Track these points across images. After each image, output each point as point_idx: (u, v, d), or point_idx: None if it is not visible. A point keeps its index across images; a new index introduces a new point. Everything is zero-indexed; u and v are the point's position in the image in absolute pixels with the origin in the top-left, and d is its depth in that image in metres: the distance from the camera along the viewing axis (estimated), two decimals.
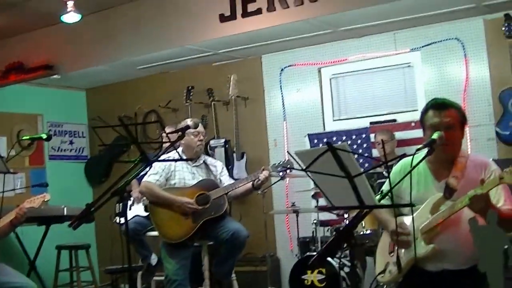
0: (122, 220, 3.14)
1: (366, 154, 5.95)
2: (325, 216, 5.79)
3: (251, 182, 4.74)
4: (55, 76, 6.86)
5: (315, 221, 5.51)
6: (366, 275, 5.12)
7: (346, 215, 5.11)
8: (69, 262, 6.34)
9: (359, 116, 6.30)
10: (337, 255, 5.01)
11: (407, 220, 2.94)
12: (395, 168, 3.16)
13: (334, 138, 6.17)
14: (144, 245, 5.69)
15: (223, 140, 6.55)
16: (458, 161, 2.94)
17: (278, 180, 5.26)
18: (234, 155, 6.51)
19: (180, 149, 4.88)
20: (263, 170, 4.72)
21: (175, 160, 4.75)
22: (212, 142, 6.54)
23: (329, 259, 5.00)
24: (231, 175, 5.83)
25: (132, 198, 5.82)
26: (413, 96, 6.01)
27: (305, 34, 5.94)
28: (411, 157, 2.81)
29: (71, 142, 7.72)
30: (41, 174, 7.23)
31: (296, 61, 6.52)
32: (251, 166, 6.40)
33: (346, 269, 5.04)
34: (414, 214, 2.83)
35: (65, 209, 5.63)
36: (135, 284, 5.81)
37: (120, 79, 7.43)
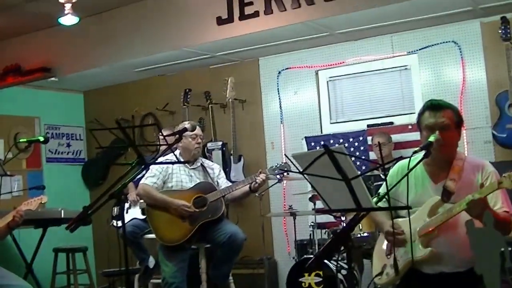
0: (119, 223, 3.13)
1: (363, 157, 5.96)
2: (323, 218, 5.79)
3: (249, 185, 4.74)
4: (52, 79, 6.86)
5: (312, 224, 5.51)
6: (363, 278, 5.12)
7: (343, 218, 5.11)
8: (66, 265, 6.34)
9: (356, 119, 6.30)
10: (335, 258, 5.01)
11: (404, 222, 2.94)
12: (392, 171, 3.17)
13: (331, 141, 6.17)
14: (142, 247, 5.68)
15: (220, 143, 6.55)
16: (455, 163, 2.95)
17: (276, 183, 5.27)
18: (232, 157, 6.51)
19: (177, 152, 4.89)
20: (260, 172, 4.72)
21: (173, 163, 4.75)
22: (209, 145, 6.54)
23: (326, 261, 5.00)
24: (228, 177, 5.83)
25: (128, 201, 5.82)
26: (410, 99, 6.02)
27: (302, 37, 5.95)
28: (408, 159, 2.82)
29: (68, 145, 7.71)
30: (38, 176, 7.22)
31: (294, 64, 6.53)
32: (248, 168, 6.41)
33: (344, 272, 5.03)
34: (412, 217, 2.83)
35: (62, 211, 5.61)
36: (132, 287, 5.81)
37: (118, 82, 7.43)
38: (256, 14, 5.60)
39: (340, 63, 6.29)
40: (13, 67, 6.83)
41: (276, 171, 4.80)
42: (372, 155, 5.93)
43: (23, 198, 4.79)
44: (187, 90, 6.76)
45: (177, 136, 4.04)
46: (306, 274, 5.12)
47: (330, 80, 6.45)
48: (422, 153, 2.78)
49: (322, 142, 6.15)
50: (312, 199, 5.59)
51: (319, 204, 5.45)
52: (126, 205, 5.83)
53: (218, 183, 4.93)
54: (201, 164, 4.99)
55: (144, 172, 4.72)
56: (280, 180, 5.08)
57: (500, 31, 5.19)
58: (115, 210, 5.90)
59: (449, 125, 2.90)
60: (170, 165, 4.81)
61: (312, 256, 5.30)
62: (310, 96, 6.47)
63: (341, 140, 6.15)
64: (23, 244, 5.70)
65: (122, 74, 7.07)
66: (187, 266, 4.80)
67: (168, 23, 6.12)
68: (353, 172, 2.52)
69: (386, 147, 5.57)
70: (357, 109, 6.35)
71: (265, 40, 6.04)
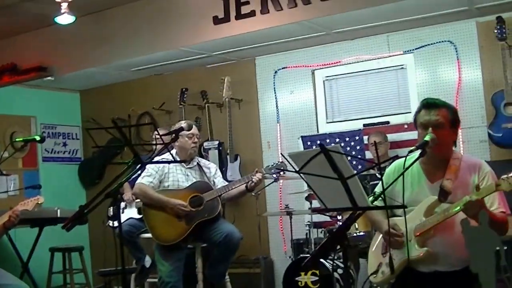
0: (116, 223, 3.14)
1: (359, 156, 5.97)
2: (319, 218, 5.80)
3: (245, 184, 4.74)
4: (48, 78, 6.85)
5: (308, 223, 5.52)
6: (359, 277, 5.13)
7: (339, 217, 5.12)
8: (62, 264, 6.33)
9: (352, 118, 6.31)
10: (331, 257, 5.01)
11: (400, 221, 2.95)
12: (389, 169, 3.17)
13: (328, 140, 6.18)
14: (138, 247, 5.68)
15: (216, 142, 6.55)
16: (452, 163, 2.95)
17: (272, 182, 5.28)
18: (228, 157, 6.51)
19: (174, 151, 4.89)
20: (257, 172, 4.72)
21: (169, 162, 4.75)
22: (205, 144, 6.55)
23: (322, 260, 5.01)
24: (224, 177, 5.83)
25: (124, 201, 5.82)
26: (406, 98, 6.03)
27: (298, 36, 5.96)
28: (404, 158, 2.82)
29: (64, 144, 7.70)
30: (34, 176, 7.21)
31: (290, 63, 6.53)
32: (244, 168, 6.42)
33: (340, 271, 5.04)
34: (408, 216, 2.83)
35: (58, 211, 5.61)
36: (128, 286, 5.80)
37: (114, 81, 7.43)
38: (252, 13, 5.61)
39: (336, 62, 6.30)
40: (9, 66, 6.82)
41: (272, 170, 4.80)
42: (368, 155, 5.94)
43: (19, 198, 4.79)
44: (184, 89, 6.76)
45: (173, 135, 4.04)
46: (302, 273, 5.13)
47: (326, 80, 6.46)
48: (418, 152, 2.79)
49: (318, 142, 6.16)
50: (308, 198, 5.61)
51: (315, 203, 5.46)
52: (122, 205, 5.83)
53: (214, 182, 4.92)
54: (198, 163, 4.99)
55: (140, 171, 4.72)
56: (276, 179, 5.08)
57: (495, 31, 5.20)
58: (111, 210, 5.92)
59: (443, 124, 2.90)
60: (167, 165, 4.80)
61: (308, 255, 5.30)
62: (306, 96, 6.48)
63: (337, 140, 6.16)
64: (19, 243, 5.68)
65: (118, 74, 7.07)
66: (184, 266, 4.80)
67: (165, 23, 6.12)
68: (349, 171, 2.52)
69: (382, 146, 5.57)
70: (353, 109, 6.36)
71: (261, 40, 6.04)
